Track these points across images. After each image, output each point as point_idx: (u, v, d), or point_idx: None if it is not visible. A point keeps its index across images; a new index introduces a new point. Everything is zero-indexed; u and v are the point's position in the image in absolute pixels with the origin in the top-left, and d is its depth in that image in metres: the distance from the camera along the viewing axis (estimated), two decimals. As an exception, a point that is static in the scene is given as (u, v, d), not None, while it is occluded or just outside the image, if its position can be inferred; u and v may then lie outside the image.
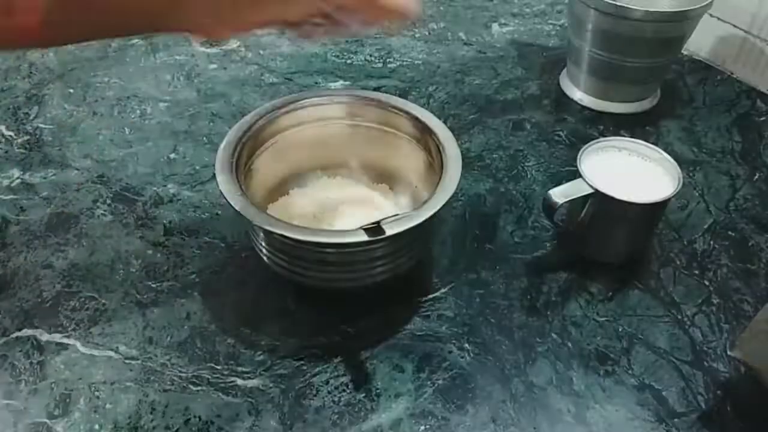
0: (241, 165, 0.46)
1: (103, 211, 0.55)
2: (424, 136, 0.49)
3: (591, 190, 0.47)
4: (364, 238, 0.40)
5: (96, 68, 0.73)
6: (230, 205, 0.42)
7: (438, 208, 0.42)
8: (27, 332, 0.46)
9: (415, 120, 0.50)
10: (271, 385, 0.43)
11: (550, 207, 0.48)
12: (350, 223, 0.51)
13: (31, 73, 0.72)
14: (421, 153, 0.50)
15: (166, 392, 0.43)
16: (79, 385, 0.43)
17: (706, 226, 0.57)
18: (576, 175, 0.49)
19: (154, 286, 0.49)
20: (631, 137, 0.66)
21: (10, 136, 0.63)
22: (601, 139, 0.53)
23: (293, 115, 0.51)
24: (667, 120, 0.69)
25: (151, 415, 0.41)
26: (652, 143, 0.66)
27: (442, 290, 0.50)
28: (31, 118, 0.65)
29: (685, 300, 0.50)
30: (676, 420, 0.42)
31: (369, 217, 0.52)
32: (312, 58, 0.76)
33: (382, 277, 0.45)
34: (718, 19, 0.74)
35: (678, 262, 0.53)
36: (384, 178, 0.54)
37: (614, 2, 0.61)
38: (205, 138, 0.63)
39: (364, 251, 0.43)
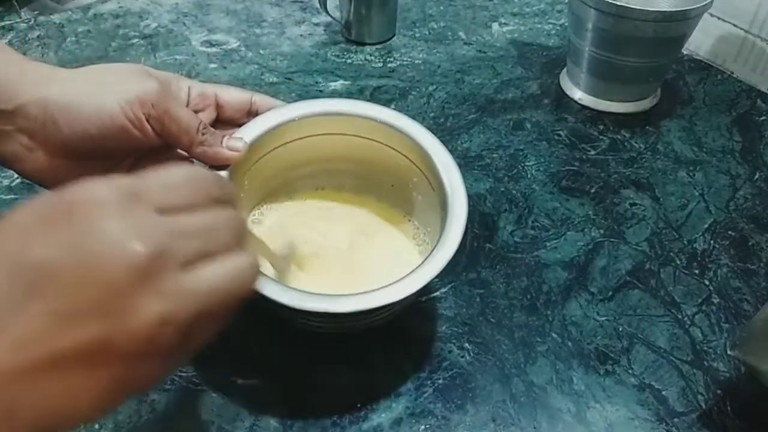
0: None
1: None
2: (427, 173, 0.46)
3: None
4: (357, 308, 0.37)
5: (96, 68, 0.73)
6: None
7: (436, 273, 0.39)
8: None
9: (424, 162, 0.46)
10: (271, 385, 0.43)
11: None
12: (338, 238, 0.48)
13: (31, 72, 0.72)
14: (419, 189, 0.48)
15: (166, 392, 0.43)
16: (80, 385, 0.43)
17: (706, 226, 0.57)
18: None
19: (154, 285, 0.49)
20: (631, 137, 0.67)
21: (10, 135, 0.63)
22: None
23: (278, 132, 0.46)
24: (667, 120, 0.69)
25: (151, 415, 0.41)
26: (652, 143, 0.66)
27: (442, 290, 0.50)
28: (31, 117, 0.65)
29: (685, 300, 0.50)
30: (676, 419, 0.43)
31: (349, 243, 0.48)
32: (312, 58, 0.76)
33: (382, 322, 0.43)
34: (719, 18, 0.74)
35: (678, 262, 0.53)
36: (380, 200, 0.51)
37: (614, 2, 0.61)
38: (205, 138, 0.63)
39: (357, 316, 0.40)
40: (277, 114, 0.46)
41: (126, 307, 0.24)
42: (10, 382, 0.23)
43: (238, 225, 0.29)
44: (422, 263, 0.39)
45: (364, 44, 0.78)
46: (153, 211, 0.26)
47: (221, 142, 0.42)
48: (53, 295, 0.23)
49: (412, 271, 0.39)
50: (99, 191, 0.25)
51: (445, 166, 0.44)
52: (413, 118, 0.48)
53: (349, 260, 0.47)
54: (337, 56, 0.76)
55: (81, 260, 0.23)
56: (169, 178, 0.28)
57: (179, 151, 0.43)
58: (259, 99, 0.46)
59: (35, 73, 0.39)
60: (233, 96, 0.45)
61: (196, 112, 0.43)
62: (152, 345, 0.24)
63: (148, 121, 0.39)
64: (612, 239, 0.55)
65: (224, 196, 0.29)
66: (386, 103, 0.68)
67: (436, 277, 0.39)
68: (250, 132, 0.44)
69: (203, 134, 0.40)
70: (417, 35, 0.81)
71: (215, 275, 0.27)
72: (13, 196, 0.56)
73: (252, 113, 0.45)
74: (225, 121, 0.45)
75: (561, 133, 0.67)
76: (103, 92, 0.38)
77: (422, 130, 0.46)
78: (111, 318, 0.24)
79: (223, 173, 0.42)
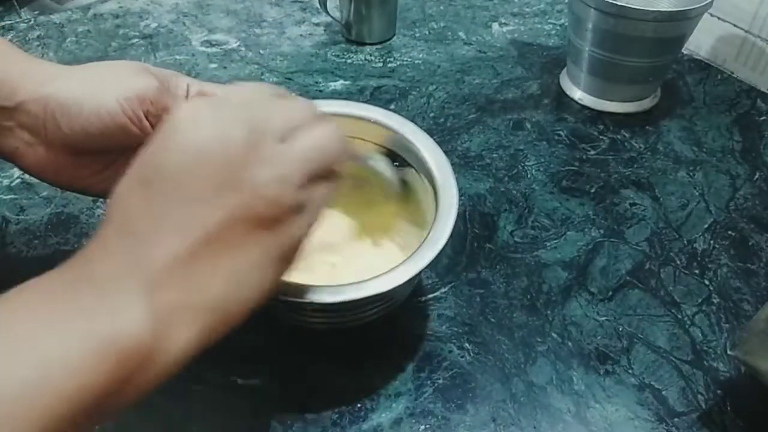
0: None
1: (103, 211, 0.55)
2: (422, 169, 0.46)
3: None
4: (348, 298, 0.37)
5: (96, 68, 0.73)
6: None
7: (427, 263, 0.39)
8: (27, 332, 0.46)
9: (417, 158, 0.46)
10: (271, 385, 0.43)
11: None
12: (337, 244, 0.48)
13: (31, 72, 0.72)
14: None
15: (167, 392, 0.42)
16: (80, 385, 0.43)
17: (706, 226, 0.57)
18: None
19: (154, 285, 0.49)
20: (631, 137, 0.67)
21: (10, 135, 0.63)
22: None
23: None
24: (667, 119, 0.69)
25: (151, 415, 0.41)
26: (652, 143, 0.66)
27: (442, 290, 0.50)
28: (31, 117, 0.65)
29: (685, 300, 0.50)
30: (676, 419, 0.43)
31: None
32: (312, 58, 0.76)
33: (376, 317, 0.44)
34: (719, 18, 0.74)
35: (678, 262, 0.53)
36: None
37: (614, 2, 0.61)
38: (205, 138, 0.63)
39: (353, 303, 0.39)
40: None
41: (246, 179, 0.28)
42: (181, 266, 0.26)
43: (310, 106, 0.33)
44: (413, 254, 0.39)
45: (364, 44, 0.78)
46: (236, 105, 0.30)
47: None
48: (184, 188, 0.27)
49: (403, 262, 0.39)
50: (187, 106, 0.29)
51: (436, 162, 0.45)
52: (413, 118, 0.48)
53: (338, 261, 0.47)
54: (337, 56, 0.76)
55: (195, 152, 0.28)
56: (241, 88, 0.33)
57: None
58: None
59: (37, 71, 0.39)
60: None
61: None
62: (279, 205, 0.29)
63: (147, 117, 0.39)
64: (612, 239, 0.55)
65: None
66: (386, 103, 0.68)
67: (427, 267, 0.39)
68: None
69: None
70: (417, 35, 0.81)
71: (306, 140, 0.31)
72: (13, 196, 0.56)
73: None
74: None
75: (561, 133, 0.67)
76: (102, 90, 0.39)
77: (414, 127, 0.47)
78: (238, 189, 0.28)
79: None
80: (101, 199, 0.56)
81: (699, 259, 0.54)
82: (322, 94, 0.70)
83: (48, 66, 0.40)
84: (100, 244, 0.27)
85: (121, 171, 0.40)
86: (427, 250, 0.40)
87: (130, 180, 0.28)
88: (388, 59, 0.76)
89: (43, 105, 0.38)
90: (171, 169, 0.28)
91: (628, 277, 0.52)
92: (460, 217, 0.56)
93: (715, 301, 0.50)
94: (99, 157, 0.41)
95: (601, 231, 0.56)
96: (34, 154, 0.39)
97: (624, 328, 0.48)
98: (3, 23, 0.80)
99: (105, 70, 0.41)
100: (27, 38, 0.77)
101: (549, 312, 0.49)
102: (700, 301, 0.50)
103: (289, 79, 0.72)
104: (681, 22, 0.63)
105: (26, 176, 0.58)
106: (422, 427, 0.41)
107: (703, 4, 0.62)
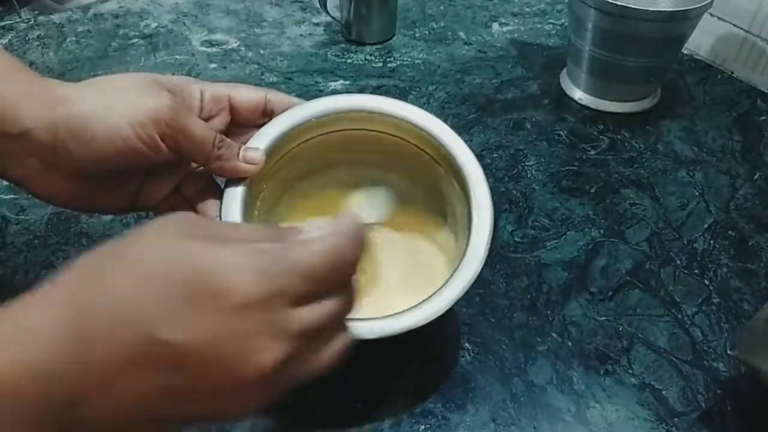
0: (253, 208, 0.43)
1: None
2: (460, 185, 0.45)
3: None
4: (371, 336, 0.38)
5: (96, 67, 0.73)
6: None
7: (457, 296, 0.39)
8: (27, 332, 0.46)
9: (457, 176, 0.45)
10: (271, 384, 0.43)
11: None
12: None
13: (31, 72, 0.72)
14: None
15: (167, 392, 0.42)
16: (80, 385, 0.43)
17: (706, 226, 0.57)
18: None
19: (154, 285, 0.49)
20: (631, 137, 0.67)
21: (10, 135, 0.63)
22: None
23: (296, 133, 0.44)
24: (667, 119, 0.69)
25: (152, 414, 0.41)
26: (652, 143, 0.66)
27: (442, 290, 0.50)
28: (31, 117, 0.65)
29: (685, 299, 0.50)
30: (676, 419, 0.43)
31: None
32: (312, 58, 0.76)
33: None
34: (719, 18, 0.74)
35: (678, 262, 0.53)
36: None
37: (615, 2, 0.61)
38: (205, 137, 0.63)
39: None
40: (294, 114, 0.44)
41: (233, 408, 0.27)
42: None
43: (350, 309, 0.32)
44: (442, 287, 0.39)
45: (364, 44, 0.78)
46: (288, 308, 0.27)
47: (238, 155, 0.40)
48: (175, 374, 0.25)
49: (426, 300, 0.38)
50: (247, 286, 0.26)
51: (472, 177, 0.44)
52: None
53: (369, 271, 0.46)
54: (337, 56, 0.76)
55: (213, 355, 0.25)
56: (316, 268, 0.28)
57: (193, 164, 0.42)
58: (275, 97, 0.44)
59: (41, 93, 0.37)
60: (247, 98, 0.43)
61: (209, 118, 0.41)
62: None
63: (162, 140, 0.37)
64: (612, 239, 0.55)
65: (350, 276, 0.31)
66: (386, 103, 0.68)
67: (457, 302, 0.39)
68: (266, 137, 0.42)
69: (219, 148, 0.39)
70: (417, 35, 0.81)
71: (312, 367, 0.31)
72: (13, 196, 0.56)
73: (268, 113, 0.44)
74: (240, 123, 0.44)
75: (561, 133, 0.67)
76: (114, 114, 0.37)
77: (452, 133, 0.45)
78: (217, 409, 0.27)
79: (241, 187, 0.41)
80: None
81: (699, 259, 0.54)
82: (322, 94, 0.70)
83: (54, 86, 0.37)
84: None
85: (137, 186, 0.41)
86: (458, 281, 0.39)
87: (142, 319, 0.25)
88: (388, 59, 0.76)
89: (53, 133, 0.36)
90: (182, 349, 0.25)
91: (628, 277, 0.52)
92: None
93: (715, 301, 0.50)
94: (113, 178, 0.40)
95: (601, 231, 0.56)
96: (48, 181, 0.38)
97: (624, 328, 0.48)
98: (3, 23, 0.80)
99: (115, 89, 0.38)
100: (27, 38, 0.77)
101: (549, 312, 0.49)
102: (700, 301, 0.50)
103: (289, 79, 0.72)
104: (681, 22, 0.63)
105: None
106: (422, 427, 0.41)
107: (703, 4, 0.62)
